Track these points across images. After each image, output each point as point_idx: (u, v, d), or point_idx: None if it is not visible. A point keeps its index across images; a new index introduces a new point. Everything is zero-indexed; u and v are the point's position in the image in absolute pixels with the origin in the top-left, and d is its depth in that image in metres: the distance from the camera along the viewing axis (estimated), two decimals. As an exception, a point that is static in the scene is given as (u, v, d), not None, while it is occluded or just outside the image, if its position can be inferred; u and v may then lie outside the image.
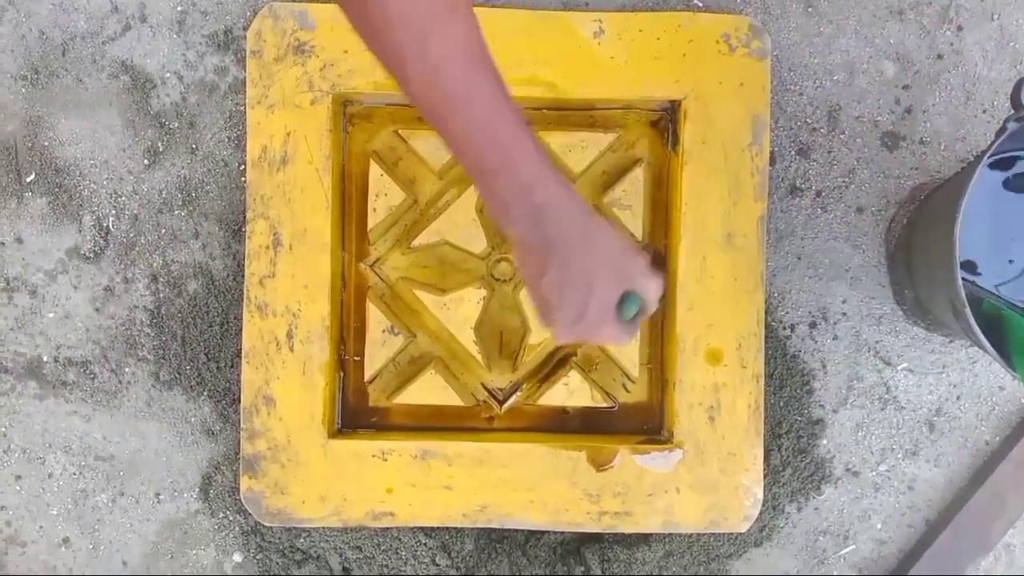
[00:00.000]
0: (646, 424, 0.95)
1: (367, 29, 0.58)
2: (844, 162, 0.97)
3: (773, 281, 0.97)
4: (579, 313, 0.67)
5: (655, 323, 0.95)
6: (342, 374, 0.95)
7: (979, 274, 0.89)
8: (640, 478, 0.91)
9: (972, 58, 0.97)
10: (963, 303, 0.75)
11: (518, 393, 0.95)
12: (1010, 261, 0.89)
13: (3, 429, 0.97)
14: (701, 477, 0.91)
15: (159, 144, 0.96)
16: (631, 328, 0.71)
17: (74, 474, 0.98)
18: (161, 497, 0.98)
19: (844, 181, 0.97)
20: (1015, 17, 0.97)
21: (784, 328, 0.97)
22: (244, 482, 0.91)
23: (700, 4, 0.95)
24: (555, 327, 0.68)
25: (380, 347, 0.94)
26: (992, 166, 0.88)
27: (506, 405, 0.95)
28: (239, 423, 0.92)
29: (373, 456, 0.91)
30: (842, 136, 0.97)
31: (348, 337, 0.95)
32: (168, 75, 0.96)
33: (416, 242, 0.94)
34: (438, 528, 0.95)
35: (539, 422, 0.95)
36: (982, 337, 0.76)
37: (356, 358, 0.95)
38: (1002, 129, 0.76)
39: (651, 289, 0.70)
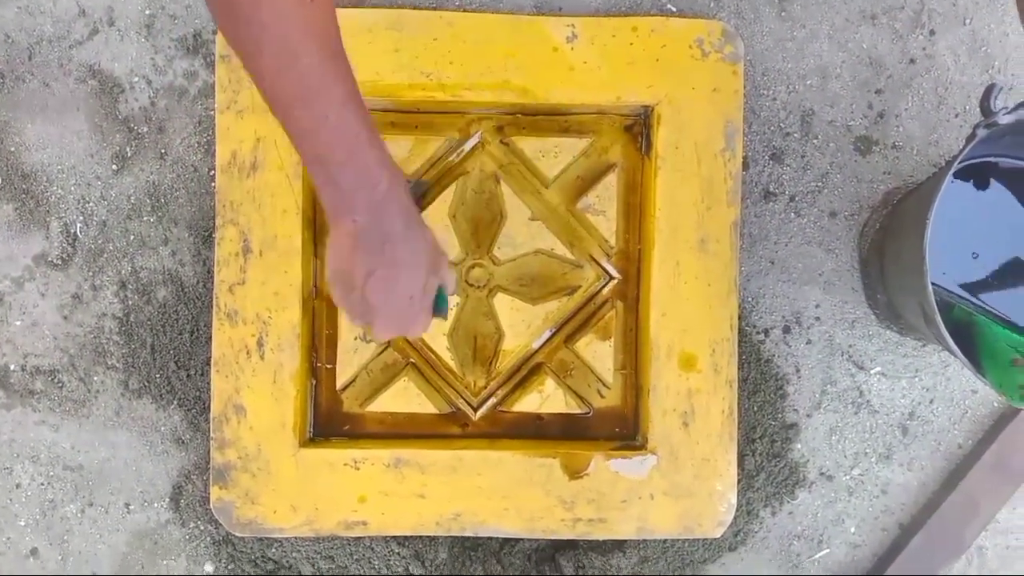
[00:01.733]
0: (620, 430, 0.95)
1: (228, 13, 0.57)
2: (817, 167, 0.97)
3: (747, 286, 0.97)
4: (403, 308, 0.67)
5: (629, 328, 0.95)
6: (314, 382, 0.94)
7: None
8: (614, 484, 0.90)
9: (944, 62, 0.97)
10: (933, 310, 0.75)
11: (492, 400, 0.95)
12: (974, 255, 0.89)
13: (-31, 439, 0.96)
14: (675, 483, 0.91)
15: (127, 149, 0.95)
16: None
17: (42, 484, 0.96)
18: (131, 507, 0.97)
19: (817, 186, 0.97)
20: (987, 21, 0.97)
21: (758, 333, 0.97)
22: (214, 492, 0.90)
23: (673, 9, 0.95)
24: (376, 323, 0.68)
25: (352, 354, 0.93)
26: (961, 175, 0.88)
27: (480, 412, 0.95)
28: (209, 432, 0.91)
29: (345, 465, 0.90)
30: (815, 141, 0.97)
31: (320, 344, 0.94)
32: (136, 79, 0.95)
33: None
34: (411, 537, 0.95)
35: (514, 428, 0.95)
36: (952, 343, 0.76)
37: (328, 366, 0.94)
38: (972, 136, 0.76)
39: (452, 281, 0.73)
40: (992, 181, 0.89)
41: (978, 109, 0.96)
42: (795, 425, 0.97)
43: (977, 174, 0.89)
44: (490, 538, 0.95)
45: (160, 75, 0.95)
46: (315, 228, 0.94)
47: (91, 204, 0.95)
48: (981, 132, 0.76)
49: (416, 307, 0.68)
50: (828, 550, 0.99)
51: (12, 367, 0.96)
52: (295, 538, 0.94)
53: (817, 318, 0.98)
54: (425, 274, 0.68)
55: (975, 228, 0.89)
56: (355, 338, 0.93)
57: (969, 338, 0.82)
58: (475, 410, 0.95)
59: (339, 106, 0.60)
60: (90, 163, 0.95)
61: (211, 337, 0.90)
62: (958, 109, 0.97)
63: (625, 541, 0.95)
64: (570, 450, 0.91)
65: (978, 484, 0.96)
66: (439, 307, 0.72)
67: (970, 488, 0.96)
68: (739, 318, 0.92)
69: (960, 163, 0.78)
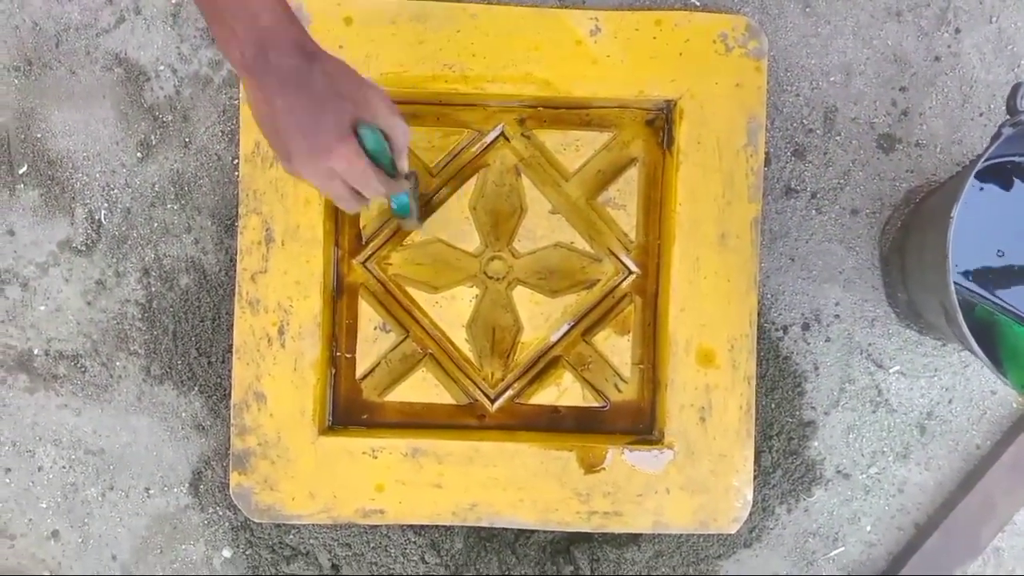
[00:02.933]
0: (637, 424, 0.95)
1: None
2: (839, 164, 0.96)
3: (766, 282, 0.97)
4: (312, 135, 0.66)
5: (647, 323, 0.95)
6: (334, 371, 0.94)
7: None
8: (630, 478, 0.91)
9: (970, 60, 0.96)
10: (955, 309, 0.75)
11: (509, 391, 0.95)
12: (998, 253, 0.88)
13: (-7, 421, 0.97)
14: (691, 478, 0.91)
15: (152, 137, 0.96)
16: (390, 182, 0.72)
17: (64, 467, 0.98)
18: (151, 491, 0.98)
19: (839, 183, 0.97)
20: (1013, 19, 0.96)
21: (777, 329, 0.97)
22: (234, 478, 0.91)
23: (697, 3, 0.95)
24: (292, 157, 0.67)
25: (372, 344, 0.93)
26: (985, 173, 0.88)
27: (497, 404, 0.95)
28: (230, 419, 0.91)
29: (363, 453, 0.90)
30: (838, 138, 0.96)
31: (340, 334, 0.95)
32: (162, 68, 0.96)
33: (409, 239, 0.94)
34: (428, 526, 0.95)
35: (530, 421, 0.95)
36: (974, 343, 0.75)
37: (348, 355, 0.94)
38: (997, 135, 0.76)
39: (396, 127, 0.70)
40: (1016, 180, 0.88)
41: (1003, 108, 0.95)
42: (812, 423, 0.97)
43: (1001, 173, 0.88)
44: (505, 529, 0.96)
45: (185, 64, 0.95)
46: (336, 220, 0.94)
47: (116, 191, 0.96)
48: (1007, 131, 0.75)
49: (326, 134, 0.66)
50: (843, 548, 0.99)
51: (36, 351, 0.97)
52: (313, 525, 0.95)
53: (837, 316, 0.97)
54: (333, 101, 0.66)
55: (998, 227, 0.88)
56: (375, 328, 0.93)
57: (991, 338, 0.82)
58: (492, 402, 0.95)
59: None
60: (115, 151, 0.96)
61: (232, 325, 0.91)
62: (983, 108, 0.96)
63: (640, 535, 0.95)
64: (586, 443, 0.91)
65: (996, 485, 0.96)
66: (366, 143, 0.68)
67: (987, 488, 0.96)
68: (758, 314, 0.92)
69: (984, 162, 0.78)
